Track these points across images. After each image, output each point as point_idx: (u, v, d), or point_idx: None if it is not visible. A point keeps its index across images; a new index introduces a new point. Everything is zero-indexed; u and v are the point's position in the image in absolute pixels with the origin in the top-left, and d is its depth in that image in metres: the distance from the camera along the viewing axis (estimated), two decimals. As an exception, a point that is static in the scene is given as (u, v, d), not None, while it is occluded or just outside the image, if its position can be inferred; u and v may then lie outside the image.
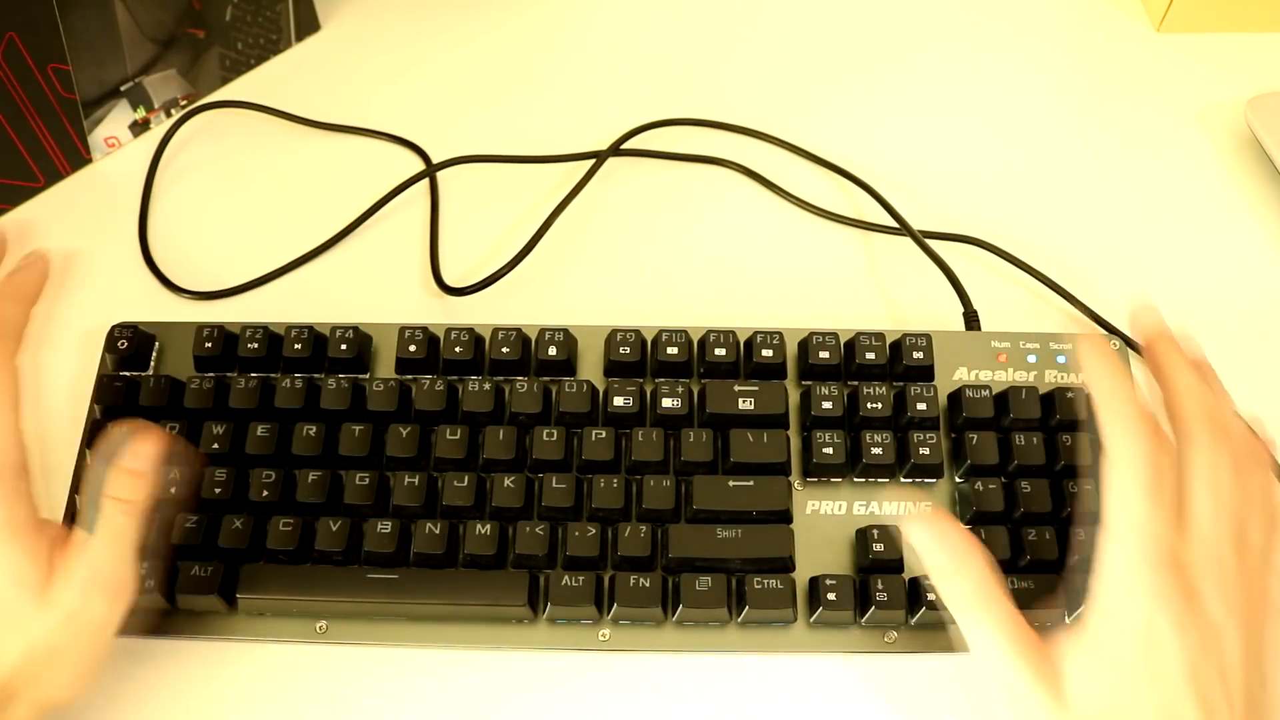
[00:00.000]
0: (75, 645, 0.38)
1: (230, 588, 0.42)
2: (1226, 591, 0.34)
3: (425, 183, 0.57)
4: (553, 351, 0.47)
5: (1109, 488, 0.36)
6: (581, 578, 0.42)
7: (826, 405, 0.46)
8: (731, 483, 0.44)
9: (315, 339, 0.47)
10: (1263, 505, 0.36)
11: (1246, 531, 0.35)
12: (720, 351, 0.47)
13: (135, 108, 0.58)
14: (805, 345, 0.47)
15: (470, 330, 0.47)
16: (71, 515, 0.44)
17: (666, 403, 0.46)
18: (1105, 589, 0.35)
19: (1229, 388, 0.50)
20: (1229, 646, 0.34)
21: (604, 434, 0.45)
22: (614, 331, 0.47)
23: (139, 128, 0.59)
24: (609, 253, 0.55)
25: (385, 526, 0.43)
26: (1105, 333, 0.51)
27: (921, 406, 0.46)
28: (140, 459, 0.39)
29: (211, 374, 0.47)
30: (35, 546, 0.37)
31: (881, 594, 0.42)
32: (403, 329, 0.47)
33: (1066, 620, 0.42)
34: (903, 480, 0.46)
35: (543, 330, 0.47)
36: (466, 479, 0.44)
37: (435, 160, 0.58)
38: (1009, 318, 0.52)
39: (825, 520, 0.45)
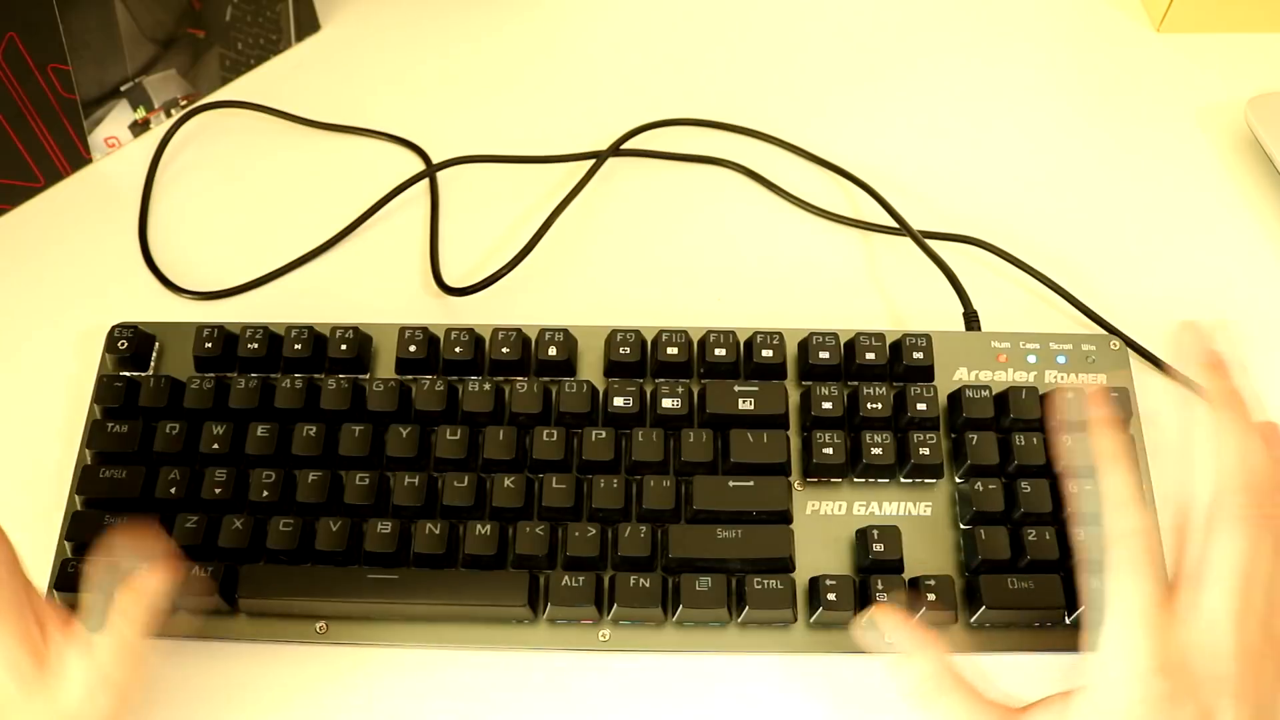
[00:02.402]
0: None
1: (230, 588, 0.43)
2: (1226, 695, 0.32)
3: (425, 183, 0.57)
4: (553, 351, 0.47)
5: (1109, 587, 0.34)
6: (581, 578, 0.42)
7: (826, 405, 0.46)
8: (731, 483, 0.44)
9: (315, 339, 0.47)
10: None
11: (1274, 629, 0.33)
12: (720, 351, 0.47)
13: (135, 108, 0.58)
14: (805, 345, 0.47)
15: (470, 330, 0.47)
16: (71, 518, 0.44)
17: (666, 403, 0.46)
18: (1091, 698, 0.34)
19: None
20: None
21: (604, 434, 0.45)
22: (614, 331, 0.47)
23: (139, 128, 0.59)
24: (609, 253, 0.55)
25: (385, 527, 0.43)
26: (1105, 333, 0.51)
27: (921, 407, 0.46)
28: (151, 582, 0.38)
29: (211, 374, 0.47)
30: (25, 631, 0.36)
31: (881, 594, 0.42)
32: (403, 329, 0.47)
33: (1066, 621, 0.43)
34: (903, 480, 0.46)
35: (543, 330, 0.47)
36: (466, 479, 0.44)
37: (435, 160, 0.58)
38: (1009, 318, 0.52)
39: (825, 520, 0.45)
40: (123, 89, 0.57)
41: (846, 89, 0.62)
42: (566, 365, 0.47)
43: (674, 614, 0.43)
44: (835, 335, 0.47)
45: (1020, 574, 0.42)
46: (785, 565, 0.43)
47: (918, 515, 0.45)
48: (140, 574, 0.39)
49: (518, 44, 0.64)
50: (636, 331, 0.47)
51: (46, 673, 0.36)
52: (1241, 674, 0.33)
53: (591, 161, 0.57)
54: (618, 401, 0.45)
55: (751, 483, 0.44)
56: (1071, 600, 0.42)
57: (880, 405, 0.46)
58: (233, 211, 0.57)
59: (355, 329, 0.47)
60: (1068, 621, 0.43)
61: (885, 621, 0.39)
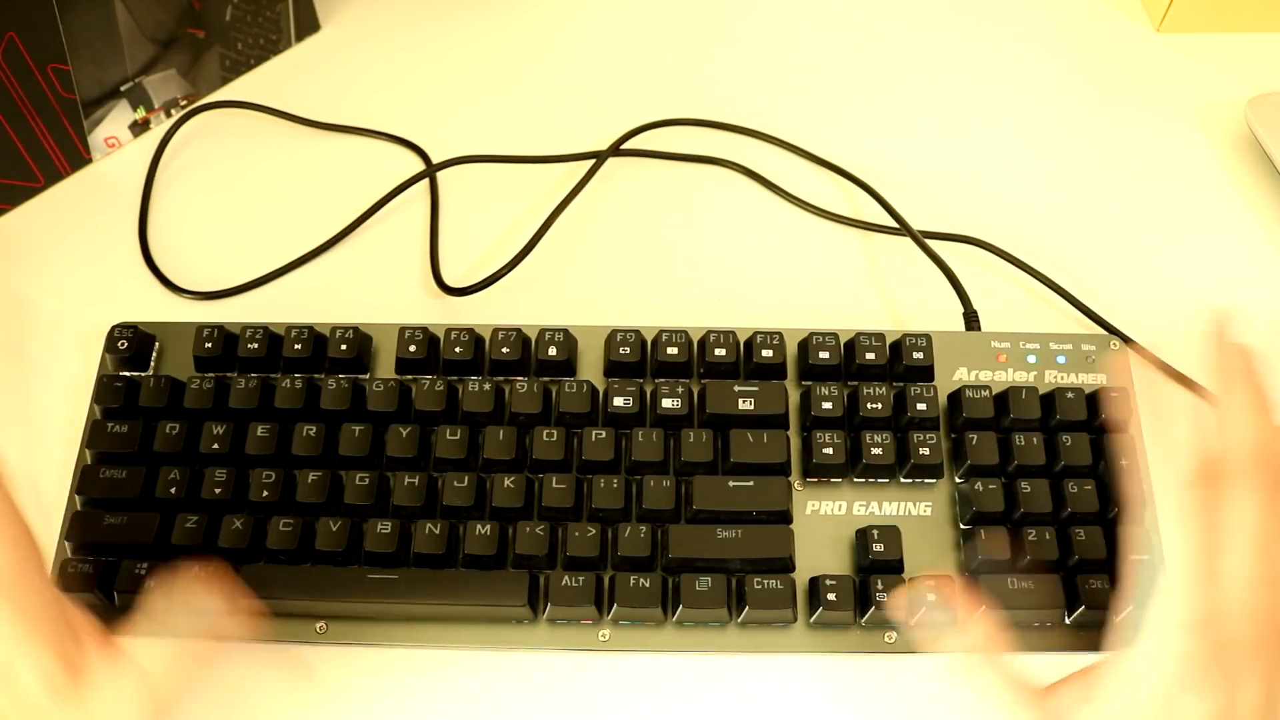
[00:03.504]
0: None
1: (230, 588, 0.43)
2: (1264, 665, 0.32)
3: (425, 183, 0.57)
4: (553, 351, 0.47)
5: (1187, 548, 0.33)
6: (581, 578, 0.42)
7: (826, 405, 0.46)
8: (731, 483, 0.44)
9: (315, 339, 0.47)
10: None
11: None
12: (720, 351, 0.47)
13: (135, 108, 0.58)
14: (805, 345, 0.47)
15: (470, 330, 0.47)
16: (71, 519, 0.44)
17: (666, 403, 0.46)
18: (1131, 655, 0.33)
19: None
20: None
21: (604, 434, 0.45)
22: (614, 331, 0.47)
23: (139, 128, 0.59)
24: (609, 253, 0.55)
25: (385, 527, 0.43)
26: (1105, 333, 0.51)
27: (921, 407, 0.46)
28: (227, 630, 0.39)
29: (211, 374, 0.47)
30: (59, 639, 0.34)
31: (881, 594, 0.42)
32: (403, 329, 0.47)
33: (1066, 621, 0.42)
34: (903, 480, 0.46)
35: (543, 330, 0.47)
36: (466, 479, 0.44)
37: (435, 160, 0.58)
38: (1009, 318, 0.52)
39: (825, 520, 0.45)
40: (123, 89, 0.57)
41: (847, 89, 0.62)
42: (566, 365, 0.47)
43: (674, 614, 0.43)
44: (835, 335, 0.47)
45: (1020, 574, 0.42)
46: (785, 565, 0.43)
47: (918, 515, 0.45)
48: (221, 625, 0.39)
49: (518, 44, 0.64)
50: (636, 331, 0.47)
51: (81, 684, 0.34)
52: (1257, 638, 0.32)
53: (591, 161, 0.57)
54: (618, 401, 0.45)
55: (751, 483, 0.44)
56: (1072, 600, 0.42)
57: (880, 405, 0.46)
58: (233, 211, 0.57)
59: (355, 329, 0.47)
60: (1067, 622, 0.43)
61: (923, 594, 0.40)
